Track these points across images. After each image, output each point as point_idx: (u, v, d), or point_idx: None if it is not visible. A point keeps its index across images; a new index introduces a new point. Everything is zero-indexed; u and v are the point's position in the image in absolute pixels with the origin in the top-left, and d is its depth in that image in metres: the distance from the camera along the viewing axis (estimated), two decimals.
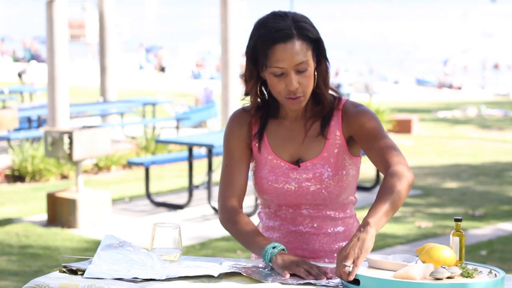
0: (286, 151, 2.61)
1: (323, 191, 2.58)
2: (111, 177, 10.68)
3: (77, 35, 39.44)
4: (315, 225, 2.63)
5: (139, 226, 7.76)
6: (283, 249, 2.42)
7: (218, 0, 11.47)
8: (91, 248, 6.92)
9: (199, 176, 9.83)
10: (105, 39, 13.54)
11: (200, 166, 10.29)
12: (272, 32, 2.47)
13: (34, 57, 31.66)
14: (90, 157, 8.05)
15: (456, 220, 2.40)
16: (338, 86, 21.67)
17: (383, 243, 6.99)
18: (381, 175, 9.50)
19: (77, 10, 47.10)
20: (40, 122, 13.22)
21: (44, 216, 8.06)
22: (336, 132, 2.59)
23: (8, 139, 11.42)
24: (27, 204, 8.79)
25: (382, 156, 2.51)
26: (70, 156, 7.60)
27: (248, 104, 2.64)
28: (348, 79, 27.42)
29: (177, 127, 13.87)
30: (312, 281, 2.27)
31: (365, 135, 2.56)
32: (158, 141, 9.13)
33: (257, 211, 2.76)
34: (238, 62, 11.67)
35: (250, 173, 2.68)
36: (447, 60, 39.83)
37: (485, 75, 35.93)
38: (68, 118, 11.00)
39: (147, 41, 44.22)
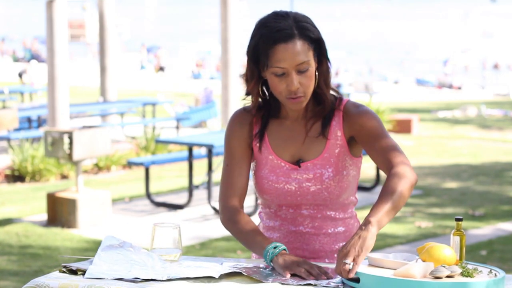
0: (286, 151, 2.61)
1: (324, 191, 2.57)
2: (111, 177, 10.68)
3: (77, 35, 39.46)
4: (315, 225, 2.63)
5: (139, 226, 7.76)
6: (284, 249, 2.42)
7: (218, 0, 11.47)
8: (91, 248, 6.92)
9: (199, 176, 9.83)
10: (105, 39, 13.54)
11: (200, 166, 10.29)
12: (274, 32, 2.47)
13: (34, 57, 31.66)
14: (90, 157, 8.05)
15: (457, 220, 2.40)
16: (338, 86, 21.67)
17: (383, 243, 6.99)
18: (381, 175, 9.51)
19: (77, 10, 47.12)
20: (40, 122, 13.22)
21: (44, 216, 8.06)
22: (337, 133, 2.59)
23: (8, 139, 11.42)
24: (27, 204, 8.79)
25: (385, 156, 2.51)
26: (70, 156, 7.60)
27: (249, 104, 2.64)
28: (348, 79, 27.43)
29: (177, 127, 13.87)
30: (312, 282, 2.27)
31: (367, 135, 2.55)
32: (158, 141, 9.13)
33: (258, 211, 2.76)
34: (238, 62, 11.67)
35: (251, 173, 2.68)
36: (447, 60, 39.84)
37: (485, 75, 35.96)
38: (68, 118, 11.00)
39: (147, 41, 44.21)
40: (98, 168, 11.02)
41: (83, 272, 2.34)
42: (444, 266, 2.21)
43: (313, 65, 2.50)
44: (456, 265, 2.26)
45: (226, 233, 7.04)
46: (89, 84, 23.91)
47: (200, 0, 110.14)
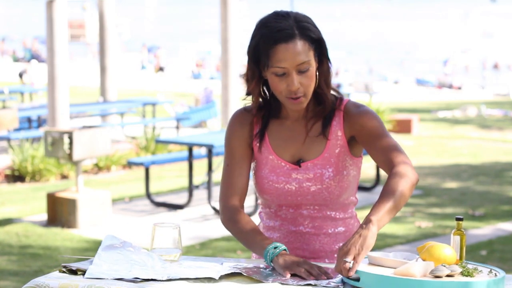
0: (287, 151, 2.61)
1: (324, 191, 2.57)
2: (111, 177, 10.68)
3: (77, 35, 39.43)
4: (315, 225, 2.63)
5: (139, 226, 7.76)
6: (284, 250, 2.42)
7: (218, 0, 11.47)
8: (91, 248, 6.92)
9: (199, 176, 9.83)
10: (105, 39, 13.54)
11: (200, 166, 10.29)
12: (274, 32, 2.47)
13: (34, 56, 31.66)
14: (90, 157, 8.05)
15: (458, 219, 2.40)
16: (338, 86, 21.68)
17: (383, 243, 6.99)
18: (382, 176, 9.51)
19: (77, 10, 47.10)
20: (40, 122, 13.22)
21: (44, 216, 8.06)
22: (337, 132, 2.59)
23: (8, 139, 11.42)
24: (27, 204, 8.79)
25: (386, 156, 2.51)
26: (70, 156, 7.60)
27: (250, 104, 2.64)
28: (348, 79, 27.43)
29: (177, 127, 13.87)
30: (312, 282, 2.27)
31: (368, 135, 2.55)
32: (158, 141, 9.13)
33: (258, 211, 2.76)
34: (238, 62, 11.67)
35: (251, 173, 2.68)
36: (447, 60, 39.83)
37: (485, 75, 35.95)
38: (68, 118, 11.00)
39: (147, 41, 44.21)
40: (98, 168, 11.02)
41: (83, 272, 2.34)
42: (444, 266, 2.21)
43: (313, 65, 2.50)
44: (456, 264, 2.27)
45: (226, 233, 7.04)
46: (89, 84, 23.91)
47: (200, 0, 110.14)
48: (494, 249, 6.94)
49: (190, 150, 8.47)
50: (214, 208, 8.27)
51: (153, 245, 2.45)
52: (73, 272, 2.36)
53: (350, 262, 2.22)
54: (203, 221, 7.99)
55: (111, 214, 8.05)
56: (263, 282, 2.27)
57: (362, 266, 2.26)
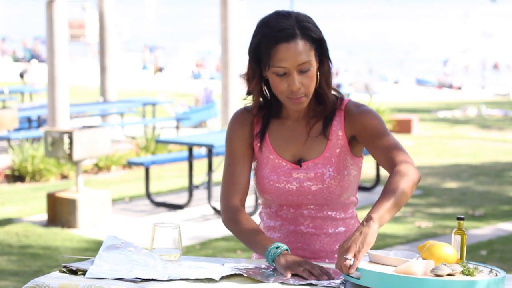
0: (288, 151, 2.61)
1: (325, 191, 2.57)
2: (111, 177, 10.67)
3: (77, 35, 39.45)
4: (316, 225, 2.63)
5: (139, 226, 7.76)
6: (286, 250, 2.41)
7: (218, 0, 11.47)
8: (91, 248, 6.92)
9: (199, 176, 9.83)
10: (105, 39, 13.54)
11: (200, 166, 10.28)
12: (275, 32, 2.47)
13: (34, 56, 31.67)
14: (90, 157, 8.05)
15: (459, 219, 2.40)
16: (338, 86, 21.68)
17: (383, 243, 6.99)
18: (382, 176, 9.51)
19: (77, 10, 47.10)
20: (40, 122, 13.22)
21: (44, 216, 8.06)
22: (338, 132, 2.59)
23: (8, 139, 11.42)
24: (27, 204, 8.79)
25: (387, 155, 2.51)
26: (70, 156, 7.60)
27: (250, 104, 2.64)
28: (348, 79, 27.43)
29: (177, 127, 13.87)
30: (313, 282, 2.27)
31: (369, 134, 2.55)
32: (158, 141, 9.12)
33: (258, 211, 2.76)
34: (238, 62, 11.67)
35: (252, 173, 2.68)
36: (447, 60, 39.83)
37: (485, 75, 35.96)
38: (68, 118, 11.00)
39: (147, 41, 44.22)
40: (98, 168, 11.02)
41: (83, 272, 2.34)
42: (445, 265, 2.21)
43: (314, 65, 2.50)
44: (457, 263, 2.26)
45: (226, 233, 7.04)
46: (89, 84, 23.91)
47: (200, 0, 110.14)
48: (494, 249, 6.94)
49: (190, 150, 8.47)
50: (214, 208, 8.26)
51: (153, 245, 2.45)
52: (73, 272, 2.35)
53: (350, 260, 2.22)
54: (203, 221, 7.99)
55: (111, 214, 8.05)
56: (264, 282, 2.27)
57: (363, 264, 2.26)
